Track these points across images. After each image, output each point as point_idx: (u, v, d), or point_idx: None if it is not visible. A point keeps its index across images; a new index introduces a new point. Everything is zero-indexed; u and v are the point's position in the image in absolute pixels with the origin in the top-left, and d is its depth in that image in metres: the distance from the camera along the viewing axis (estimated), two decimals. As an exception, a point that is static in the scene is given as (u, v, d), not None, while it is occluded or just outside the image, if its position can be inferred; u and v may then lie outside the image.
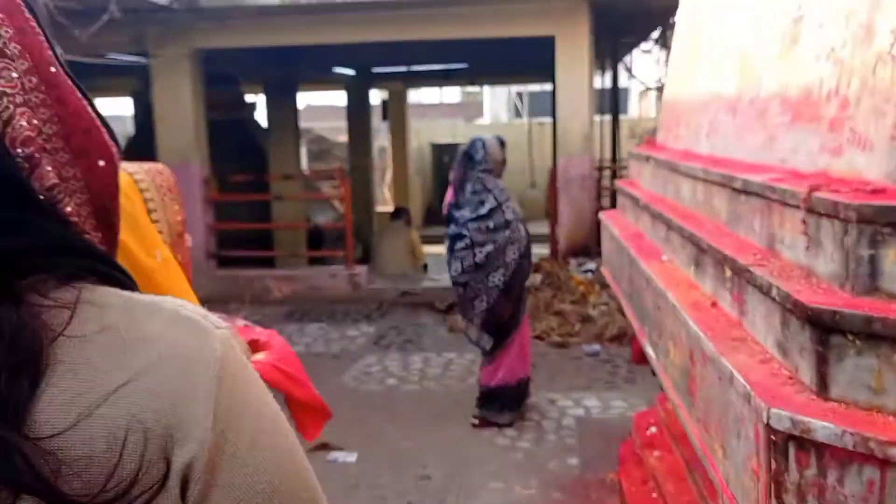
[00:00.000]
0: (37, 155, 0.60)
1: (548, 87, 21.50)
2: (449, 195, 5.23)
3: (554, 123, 13.19)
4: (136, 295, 0.61)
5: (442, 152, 19.31)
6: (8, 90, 0.59)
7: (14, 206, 0.57)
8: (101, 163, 0.65)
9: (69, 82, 0.65)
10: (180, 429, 0.55)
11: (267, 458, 0.59)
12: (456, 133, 20.59)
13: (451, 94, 31.94)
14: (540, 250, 15.05)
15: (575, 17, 8.62)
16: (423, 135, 20.63)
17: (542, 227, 17.83)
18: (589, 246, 9.19)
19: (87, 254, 0.62)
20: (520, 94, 25.06)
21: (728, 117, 2.36)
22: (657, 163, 2.93)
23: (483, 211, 4.90)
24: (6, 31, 0.60)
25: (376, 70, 14.44)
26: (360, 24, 8.87)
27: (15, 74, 0.60)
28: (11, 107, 0.59)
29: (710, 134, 2.54)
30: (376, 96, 18.31)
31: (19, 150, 0.59)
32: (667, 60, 15.87)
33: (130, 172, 1.61)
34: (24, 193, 0.58)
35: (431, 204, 19.49)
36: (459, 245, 4.94)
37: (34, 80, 0.61)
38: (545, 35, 8.89)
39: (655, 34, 12.24)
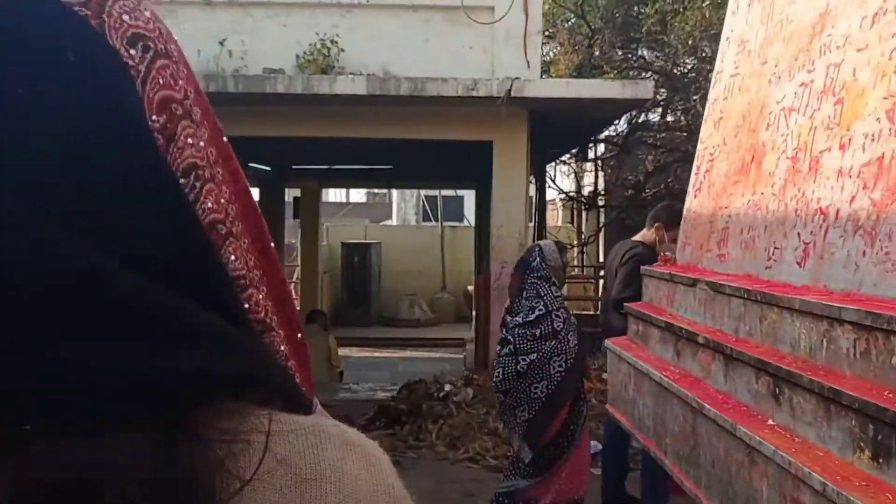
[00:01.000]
0: (219, 243, 0.51)
1: (461, 192, 21.54)
2: (508, 302, 5.09)
3: (477, 226, 12.85)
4: (285, 416, 0.51)
5: (352, 252, 18.68)
6: (198, 161, 0.50)
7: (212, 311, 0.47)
8: (272, 245, 0.59)
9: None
10: None
11: None
12: (367, 233, 20.05)
13: (357, 193, 31.64)
14: (453, 354, 14.73)
15: (514, 124, 8.31)
16: (333, 234, 20.00)
17: (452, 332, 17.51)
18: (522, 358, 8.64)
19: (281, 383, 0.53)
20: (429, 198, 24.92)
21: (851, 241, 1.85)
22: (714, 288, 2.40)
23: (531, 317, 4.59)
24: (190, 92, 0.51)
25: (295, 167, 13.82)
26: (283, 118, 8.32)
27: (202, 143, 0.51)
28: (199, 183, 0.50)
29: (811, 259, 2.02)
30: (288, 193, 17.66)
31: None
32: (582, 172, 16.07)
33: None
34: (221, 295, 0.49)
35: (340, 305, 18.69)
36: (504, 351, 4.70)
37: (214, 152, 0.52)
38: (482, 140, 8.54)
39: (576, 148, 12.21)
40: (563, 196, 14.73)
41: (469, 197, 20.81)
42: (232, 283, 0.52)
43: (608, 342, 3.29)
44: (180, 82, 0.51)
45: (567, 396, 4.62)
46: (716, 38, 10.97)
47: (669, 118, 13.28)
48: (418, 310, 17.99)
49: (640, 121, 13.08)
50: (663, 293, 2.83)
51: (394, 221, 27.16)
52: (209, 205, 0.51)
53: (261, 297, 0.56)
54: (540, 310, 4.62)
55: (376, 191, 31.98)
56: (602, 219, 15.74)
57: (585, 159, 13.89)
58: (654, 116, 13.52)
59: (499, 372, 4.70)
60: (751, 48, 2.82)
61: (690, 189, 3.14)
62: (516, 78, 7.63)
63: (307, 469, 0.50)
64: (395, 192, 27.28)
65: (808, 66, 2.34)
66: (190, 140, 0.50)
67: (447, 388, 8.04)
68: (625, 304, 3.20)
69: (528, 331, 4.60)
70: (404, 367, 12.74)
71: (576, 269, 16.57)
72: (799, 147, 2.27)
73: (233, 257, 0.53)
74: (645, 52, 10.68)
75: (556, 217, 19.94)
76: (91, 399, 0.42)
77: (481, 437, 7.28)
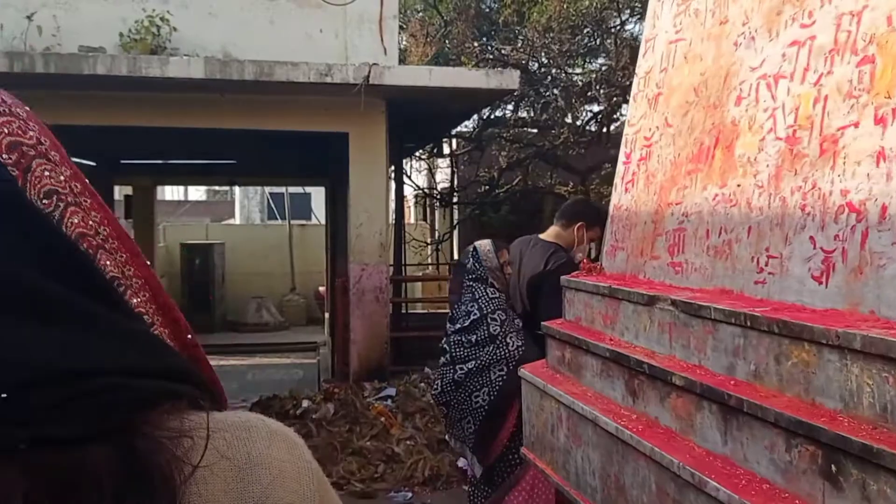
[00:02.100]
0: (92, 251, 0.61)
1: (308, 188, 20.51)
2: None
3: (332, 226, 12.02)
4: (219, 415, 0.63)
5: (193, 253, 17.26)
6: (59, 188, 0.61)
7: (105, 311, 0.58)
8: (148, 263, 0.68)
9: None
10: None
11: None
12: (209, 233, 18.67)
13: (197, 191, 29.82)
14: (306, 359, 13.82)
15: (371, 115, 7.58)
16: (171, 234, 18.48)
17: (304, 335, 16.53)
18: (384, 367, 7.95)
19: (188, 376, 0.63)
20: (274, 195, 23.69)
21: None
22: (688, 311, 1.80)
23: (466, 323, 4.15)
24: (45, 140, 0.63)
25: (124, 161, 12.42)
26: (107, 106, 7.20)
27: (62, 177, 0.62)
28: (62, 205, 0.60)
29: (839, 273, 1.46)
30: (119, 191, 16.08)
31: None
32: (435, 168, 15.54)
33: None
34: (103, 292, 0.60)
35: (181, 310, 17.21)
36: (441, 360, 4.29)
37: (78, 186, 0.63)
38: (337, 132, 7.78)
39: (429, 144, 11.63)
40: (416, 192, 14.13)
41: (317, 193, 19.87)
42: (112, 283, 0.61)
43: (523, 370, 2.65)
44: (29, 132, 0.62)
45: (510, 403, 4.03)
46: (573, 30, 10.82)
47: (522, 113, 12.96)
48: (266, 313, 16.88)
49: (493, 116, 12.70)
50: (598, 311, 2.22)
51: (237, 220, 25.70)
52: (75, 220, 0.60)
53: (143, 300, 0.65)
54: (474, 314, 4.14)
55: (217, 188, 30.31)
56: (456, 216, 15.30)
57: (440, 155, 13.35)
58: (507, 112, 13.17)
59: (437, 384, 4.30)
60: (698, 6, 2.25)
61: (619, 181, 2.54)
62: (374, 64, 6.90)
63: (242, 459, 0.61)
64: (237, 189, 25.83)
65: (801, 20, 1.78)
66: (47, 173, 0.61)
67: (305, 404, 7.22)
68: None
69: (462, 337, 4.16)
70: (254, 377, 11.74)
71: (430, 268, 16.07)
72: (800, 124, 1.71)
73: (108, 263, 0.62)
74: (501, 46, 10.23)
75: (408, 214, 19.37)
76: (62, 416, 0.53)
77: (345, 458, 6.53)
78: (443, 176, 14.16)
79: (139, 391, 0.56)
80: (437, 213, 17.19)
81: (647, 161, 2.34)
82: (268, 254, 17.75)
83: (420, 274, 15.51)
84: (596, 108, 10.28)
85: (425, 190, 13.33)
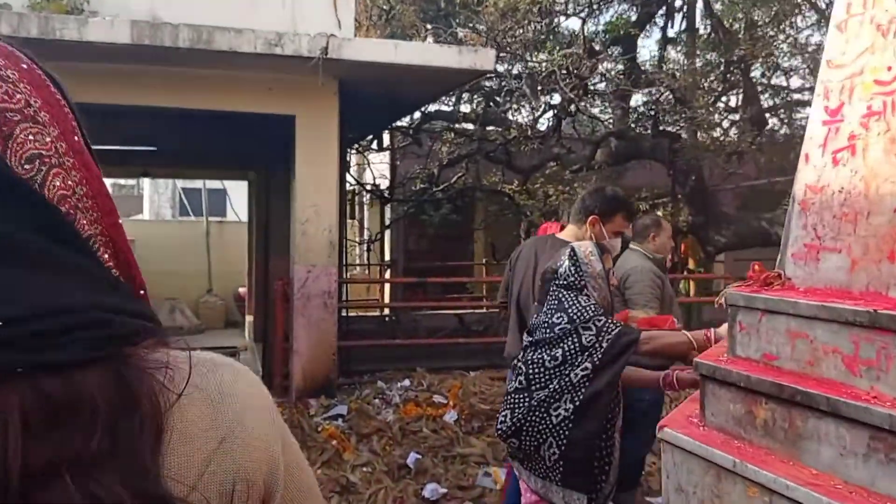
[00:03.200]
0: (72, 212, 0.65)
1: (228, 183, 19.12)
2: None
3: (265, 223, 10.88)
4: (193, 353, 0.69)
5: (99, 251, 15.64)
6: (43, 152, 0.64)
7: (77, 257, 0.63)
8: (120, 221, 0.73)
9: (89, 150, 0.69)
10: (271, 473, 0.68)
11: (308, 477, 0.76)
12: (118, 229, 17.07)
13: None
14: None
15: (323, 95, 6.59)
16: (76, 230, 16.78)
17: (222, 339, 15.22)
18: (331, 382, 6.96)
19: (151, 317, 0.68)
20: (187, 190, 22.11)
21: None
22: None
23: (549, 334, 3.24)
24: (35, 101, 0.66)
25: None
26: None
27: (48, 139, 0.65)
28: (44, 168, 0.64)
29: None
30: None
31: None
32: (365, 163, 14.53)
33: None
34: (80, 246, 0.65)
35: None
36: (513, 385, 3.30)
37: (63, 146, 0.66)
38: (282, 114, 6.75)
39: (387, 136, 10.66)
40: (351, 188, 13.10)
41: (235, 189, 18.52)
42: (88, 241, 0.66)
43: (669, 430, 1.78)
44: (17, 95, 0.65)
45: (608, 403, 3.19)
46: (542, 13, 10.05)
47: (464, 108, 12.13)
48: (180, 316, 15.46)
49: (431, 110, 11.84)
50: (831, 349, 1.39)
51: (146, 216, 23.93)
52: (57, 183, 0.64)
53: (108, 255, 0.69)
54: (562, 325, 3.23)
55: (123, 182, 28.31)
56: (388, 214, 14.35)
57: (380, 148, 12.38)
58: (445, 107, 12.32)
59: (506, 416, 3.26)
60: None
61: (812, 150, 1.71)
62: (331, 35, 5.92)
63: (213, 390, 0.66)
64: (146, 183, 24.05)
65: None
66: (31, 137, 0.64)
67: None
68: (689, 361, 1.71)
69: (544, 354, 3.23)
70: (171, 388, 10.44)
71: (358, 269, 15.07)
72: None
73: (84, 222, 0.66)
74: (457, 29, 9.38)
75: (332, 212, 18.24)
76: (58, 344, 0.57)
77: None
78: (375, 172, 13.17)
79: (126, 326, 0.62)
80: (366, 211, 16.19)
81: (887, 115, 1.51)
82: (182, 252, 16.31)
83: (367, 276, 14.50)
84: (553, 100, 9.52)
85: (366, 185, 12.31)
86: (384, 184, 13.05)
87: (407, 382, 6.99)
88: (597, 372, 3.17)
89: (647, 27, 11.62)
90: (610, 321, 3.25)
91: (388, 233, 14.91)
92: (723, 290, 1.83)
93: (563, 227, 4.18)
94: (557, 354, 3.24)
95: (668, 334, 3.36)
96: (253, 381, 0.70)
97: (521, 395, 3.26)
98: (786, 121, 11.99)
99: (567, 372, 3.20)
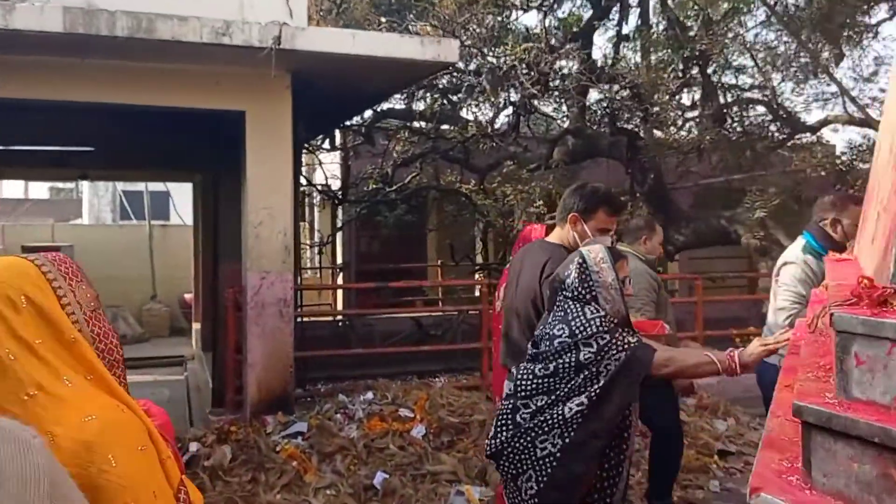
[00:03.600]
0: None
1: (173, 185, 18.30)
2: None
3: (213, 226, 10.26)
4: None
5: (35, 258, 14.78)
6: None
7: None
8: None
9: None
10: None
11: None
12: (55, 234, 16.21)
13: (39, 188, 26.60)
14: (171, 376, 11.95)
15: (276, 89, 6.10)
16: (12, 236, 15.91)
17: (168, 348, 14.48)
18: (289, 396, 6.46)
19: None
20: (128, 193, 21.18)
21: None
22: None
23: (546, 347, 2.94)
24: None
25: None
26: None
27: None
28: None
29: None
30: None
31: None
32: (314, 163, 13.93)
33: (32, 260, 1.44)
34: None
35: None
36: (503, 404, 3.03)
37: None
38: (230, 109, 6.23)
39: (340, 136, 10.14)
40: (302, 189, 12.55)
41: (179, 191, 17.74)
42: None
43: (767, 495, 1.39)
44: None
45: (595, 450, 2.85)
46: (500, 6, 9.65)
47: (418, 105, 11.69)
48: (123, 324, 14.69)
49: (384, 108, 11.36)
50: None
51: (85, 220, 22.88)
52: None
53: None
54: (561, 338, 2.90)
55: (61, 185, 27.11)
56: (340, 215, 13.83)
57: (333, 147, 11.86)
58: (400, 105, 11.86)
59: (494, 432, 2.98)
60: None
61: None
62: (284, 23, 5.43)
63: None
64: (85, 186, 23.00)
65: None
66: None
67: (193, 447, 5.62)
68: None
69: (535, 366, 2.93)
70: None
71: (308, 272, 14.51)
72: None
73: None
74: (413, 22, 8.91)
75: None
76: None
77: (249, 517, 5.04)
78: (326, 172, 12.63)
79: None
80: (317, 212, 15.62)
81: None
82: (124, 258, 15.53)
83: (319, 280, 13.95)
84: (512, 97, 9.14)
85: (317, 186, 11.77)
86: (335, 184, 12.54)
87: (370, 395, 6.53)
88: (593, 408, 2.81)
89: (603, 24, 11.36)
90: (615, 341, 2.87)
91: (339, 235, 14.39)
92: (819, 312, 1.47)
93: (549, 229, 3.81)
94: (550, 368, 2.89)
95: (689, 354, 3.01)
96: (23, 447, 0.67)
97: (506, 405, 2.96)
98: (738, 119, 11.84)
99: (558, 391, 2.83)
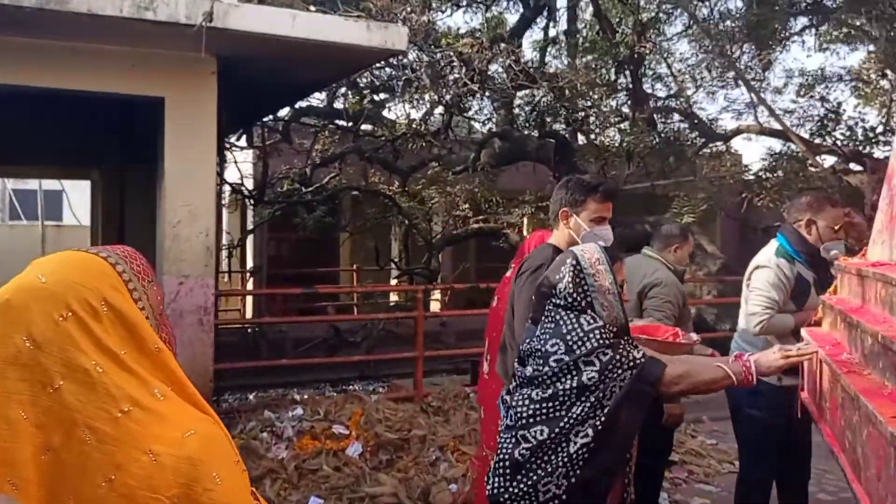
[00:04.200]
0: None
1: (68, 183, 17.01)
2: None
3: (119, 227, 9.42)
4: None
5: None
6: None
7: None
8: None
9: None
10: None
11: None
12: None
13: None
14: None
15: (199, 76, 5.49)
16: None
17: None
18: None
19: None
20: (18, 192, 19.65)
21: None
22: None
23: (543, 368, 2.51)
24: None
25: None
26: None
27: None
28: None
29: None
30: None
31: None
32: (227, 162, 13.12)
33: (105, 258, 1.29)
34: None
35: None
36: (501, 426, 2.65)
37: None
38: (148, 96, 5.58)
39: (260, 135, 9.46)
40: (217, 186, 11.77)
41: (74, 189, 16.52)
42: None
43: None
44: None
45: (605, 486, 2.53)
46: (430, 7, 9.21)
47: (338, 104, 11.15)
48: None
49: (301, 105, 10.78)
50: None
51: (-33, 219, 21.13)
52: None
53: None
54: (558, 356, 2.50)
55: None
56: (251, 217, 13.11)
57: (251, 144, 11.15)
58: (318, 102, 11.29)
59: (492, 466, 2.58)
60: None
61: None
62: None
63: None
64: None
65: None
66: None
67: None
68: None
69: (532, 391, 2.53)
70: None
71: (225, 276, 13.70)
72: None
73: None
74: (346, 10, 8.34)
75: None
76: None
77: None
78: (237, 170, 11.90)
79: None
80: (225, 213, 14.80)
81: None
82: (14, 260, 14.16)
83: (229, 285, 13.15)
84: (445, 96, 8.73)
85: (233, 185, 11.03)
86: (249, 184, 11.83)
87: (299, 410, 5.98)
88: (600, 439, 2.43)
89: (531, 27, 11.15)
90: (619, 358, 2.49)
91: (249, 238, 13.66)
92: None
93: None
94: (549, 393, 2.48)
95: (701, 368, 2.65)
96: None
97: (507, 438, 2.53)
98: (661, 126, 11.87)
99: (559, 420, 2.43)
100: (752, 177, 13.74)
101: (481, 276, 15.27)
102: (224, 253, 13.76)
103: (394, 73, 9.18)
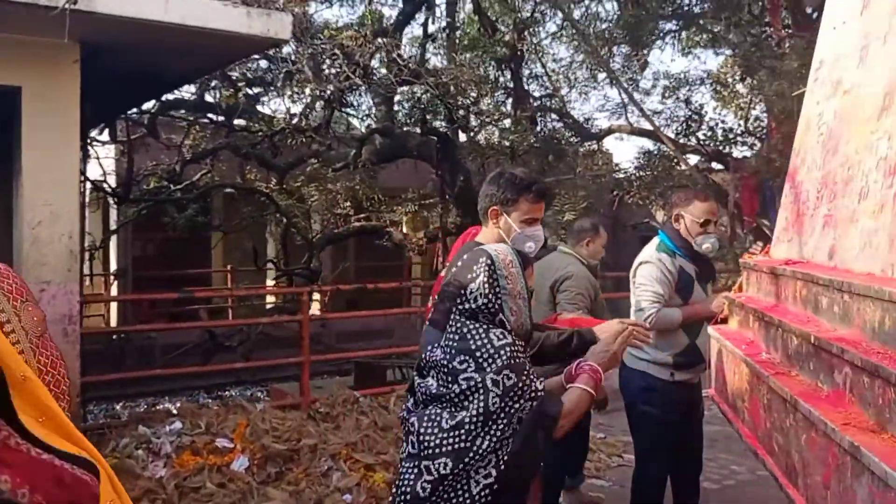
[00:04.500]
0: None
1: None
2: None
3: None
4: None
5: None
6: None
7: None
8: None
9: None
10: None
11: None
12: None
13: None
14: None
15: (60, 64, 5.00)
16: None
17: None
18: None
19: None
20: None
21: None
22: None
23: (451, 388, 2.29)
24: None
25: None
26: None
27: None
28: None
29: None
30: None
31: None
32: (89, 157, 12.21)
33: None
34: None
35: None
36: (403, 453, 2.41)
37: None
38: (2, 84, 5.03)
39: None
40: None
41: None
42: None
43: None
44: None
45: None
46: None
47: (210, 97, 10.62)
48: None
49: (169, 98, 10.17)
50: None
51: None
52: None
53: None
54: (468, 375, 2.28)
55: None
56: (115, 215, 12.30)
57: (114, 139, 10.40)
58: (188, 95, 10.70)
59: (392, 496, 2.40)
60: None
61: None
62: (80, -20, 4.39)
63: None
64: None
65: None
66: None
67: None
68: None
69: (437, 412, 2.31)
70: None
71: (87, 280, 12.77)
72: None
73: None
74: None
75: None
76: None
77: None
78: (102, 167, 11.11)
79: None
80: (87, 212, 13.83)
81: None
82: None
83: (91, 288, 12.23)
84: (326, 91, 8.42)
85: (95, 182, 10.25)
86: (112, 180, 11.07)
87: (178, 424, 5.57)
88: (503, 480, 2.28)
89: (410, 23, 11.01)
90: (521, 384, 2.34)
91: (113, 238, 12.83)
92: None
93: None
94: (457, 416, 2.30)
95: (575, 398, 2.51)
96: None
97: (409, 468, 2.33)
98: (540, 124, 12.05)
99: (464, 454, 2.26)
100: (622, 175, 14.21)
101: (361, 275, 15.03)
102: (86, 255, 12.87)
103: (270, 65, 8.78)
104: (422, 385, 2.42)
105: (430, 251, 11.70)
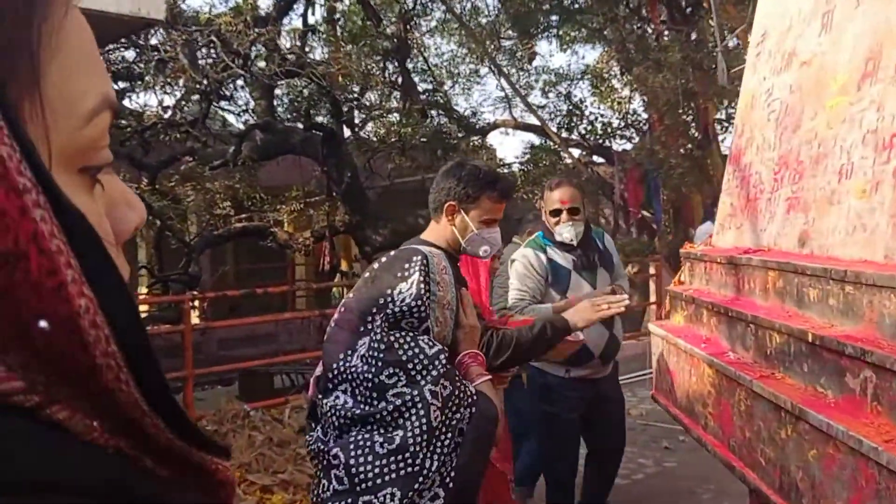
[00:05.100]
0: None
1: None
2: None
3: None
4: None
5: None
6: None
7: None
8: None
9: None
10: None
11: None
12: None
13: None
14: None
15: None
16: None
17: None
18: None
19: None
20: None
21: None
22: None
23: (380, 407, 1.99)
24: None
25: None
26: None
27: None
28: None
29: None
30: None
31: None
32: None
33: None
34: None
35: None
36: (322, 487, 2.01)
37: None
38: None
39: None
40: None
41: None
42: None
43: None
44: None
45: None
46: None
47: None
48: None
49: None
50: None
51: None
52: None
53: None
54: (398, 389, 2.01)
55: None
56: None
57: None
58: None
59: None
60: None
61: None
62: None
63: None
64: None
65: None
66: None
67: None
68: None
69: (374, 438, 1.98)
70: None
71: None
72: None
73: None
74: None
75: None
76: None
77: None
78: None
79: None
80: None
81: None
82: None
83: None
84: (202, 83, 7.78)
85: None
86: None
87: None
88: (451, 496, 2.01)
89: (289, 14, 10.46)
90: (457, 391, 2.07)
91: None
92: None
93: None
94: (395, 439, 1.97)
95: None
96: None
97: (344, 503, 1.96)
98: (426, 119, 11.79)
99: (409, 481, 1.95)
100: (507, 170, 14.15)
101: (242, 278, 14.27)
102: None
103: (139, 55, 8.04)
104: (331, 406, 2.06)
105: (316, 251, 11.20)
